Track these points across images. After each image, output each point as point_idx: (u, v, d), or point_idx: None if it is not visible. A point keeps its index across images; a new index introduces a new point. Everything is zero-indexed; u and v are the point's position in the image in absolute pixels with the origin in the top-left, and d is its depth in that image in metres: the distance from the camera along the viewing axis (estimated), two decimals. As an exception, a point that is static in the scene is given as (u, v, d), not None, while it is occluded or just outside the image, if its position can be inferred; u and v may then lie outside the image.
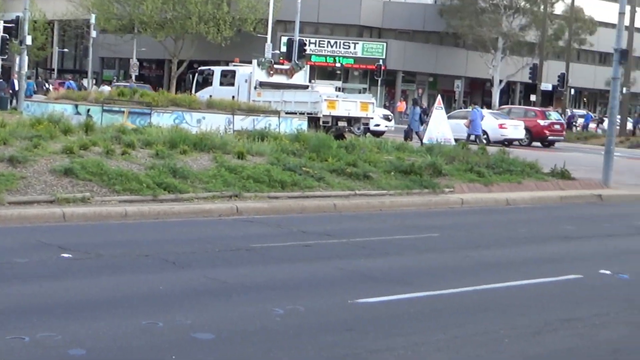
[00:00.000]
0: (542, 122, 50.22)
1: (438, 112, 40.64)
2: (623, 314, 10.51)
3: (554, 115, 53.61)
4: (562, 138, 51.96)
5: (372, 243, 14.54)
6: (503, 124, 47.41)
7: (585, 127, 72.30)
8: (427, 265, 13.05)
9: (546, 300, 10.99)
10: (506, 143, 43.79)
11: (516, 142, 46.70)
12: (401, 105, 75.92)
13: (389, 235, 15.50)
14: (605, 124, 74.96)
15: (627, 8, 38.30)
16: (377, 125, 45.68)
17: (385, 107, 69.58)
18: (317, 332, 8.94)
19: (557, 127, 51.36)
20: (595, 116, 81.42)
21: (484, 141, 39.07)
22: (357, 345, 8.51)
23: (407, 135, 39.83)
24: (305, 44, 53.79)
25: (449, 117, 40.79)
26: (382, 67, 70.78)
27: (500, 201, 21.49)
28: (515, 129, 47.34)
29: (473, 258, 13.74)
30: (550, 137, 50.51)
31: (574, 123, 72.29)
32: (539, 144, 49.37)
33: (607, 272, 13.03)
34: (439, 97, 45.23)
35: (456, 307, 10.39)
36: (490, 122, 46.47)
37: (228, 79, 41.60)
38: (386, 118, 50.26)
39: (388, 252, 13.83)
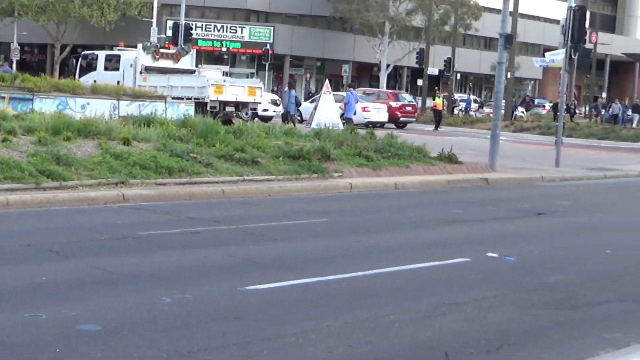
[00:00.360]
0: (394, 104, 52.47)
1: (326, 96, 40.70)
2: (510, 297, 10.61)
3: (407, 98, 56.38)
4: (414, 120, 54.75)
5: (262, 229, 14.41)
6: (366, 107, 48.78)
7: (466, 111, 73.49)
8: (317, 251, 12.99)
9: (436, 284, 11.04)
10: (370, 125, 44.57)
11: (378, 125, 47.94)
12: (289, 90, 75.83)
13: (279, 221, 15.39)
14: (487, 109, 76.75)
15: (511, -6, 38.86)
16: (265, 110, 45.61)
17: (273, 91, 69.40)
18: (206, 320, 8.77)
19: (409, 108, 54.17)
20: (480, 100, 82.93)
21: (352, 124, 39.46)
22: (246, 334, 8.38)
23: (285, 117, 39.88)
24: (191, 28, 53.13)
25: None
26: (270, 52, 70.55)
27: (389, 185, 21.59)
28: (378, 112, 48.71)
29: (363, 243, 13.73)
30: (402, 119, 52.73)
31: (457, 107, 73.63)
32: (393, 125, 50.86)
33: (495, 255, 13.17)
34: (327, 81, 45.32)
35: (347, 292, 10.34)
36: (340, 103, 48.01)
37: (113, 63, 40.85)
38: (274, 103, 50.19)
39: (278, 238, 13.72)
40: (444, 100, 61.90)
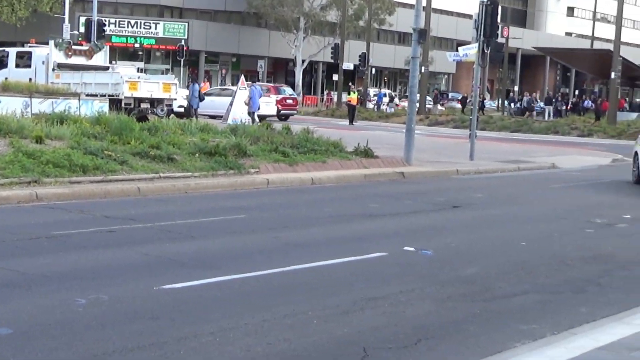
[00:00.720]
0: (275, 97, 53.13)
1: (241, 92, 40.58)
2: (428, 290, 10.66)
3: (287, 91, 57.68)
4: (295, 112, 55.84)
5: (178, 227, 14.27)
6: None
7: (378, 105, 73.95)
8: (234, 248, 12.90)
9: (353, 279, 11.04)
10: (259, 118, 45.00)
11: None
12: (205, 86, 75.48)
13: (195, 218, 15.26)
14: (402, 103, 77.48)
15: (424, -11, 39.15)
16: (181, 106, 45.26)
17: (188, 87, 68.94)
18: (122, 321, 8.64)
19: (289, 101, 55.31)
20: (389, 94, 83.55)
21: (257, 119, 39.41)
22: (163, 333, 8.28)
23: (188, 112, 39.68)
24: (104, 25, 52.49)
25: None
26: (184, 48, 70.05)
27: (306, 181, 21.59)
28: (267, 105, 49.05)
29: (281, 239, 13.69)
30: (282, 111, 53.32)
31: (372, 102, 74.24)
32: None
33: (411, 248, 13.23)
34: (242, 77, 45.19)
35: (265, 289, 10.28)
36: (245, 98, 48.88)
37: (24, 60, 40.08)
38: (202, 99, 49.87)
39: (194, 236, 13.60)
40: (359, 95, 62.26)
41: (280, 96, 54.15)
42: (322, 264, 11.79)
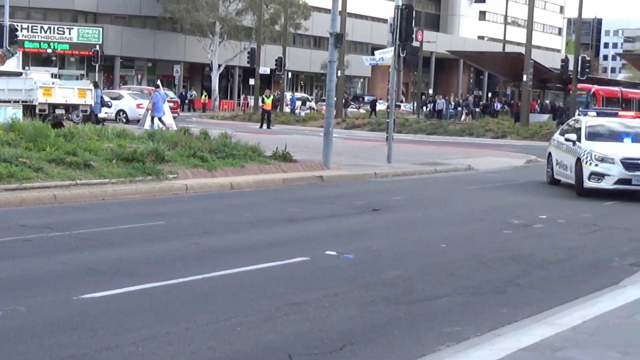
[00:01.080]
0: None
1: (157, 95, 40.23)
2: (351, 294, 10.64)
3: (169, 95, 58.37)
4: (177, 115, 56.18)
5: (97, 234, 14.04)
6: (140, 104, 49.73)
7: (291, 110, 73.94)
8: (154, 255, 12.73)
9: (276, 284, 10.97)
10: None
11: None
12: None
13: (114, 226, 15.03)
14: (313, 104, 77.79)
15: (340, -7, 39.27)
16: (84, 111, 44.73)
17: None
18: (40, 332, 8.44)
19: (171, 104, 55.22)
20: (311, 98, 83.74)
21: (164, 123, 39.02)
22: (84, 344, 8.11)
23: (90, 118, 39.14)
24: (16, 30, 51.54)
25: None
26: (99, 53, 69.26)
27: (225, 186, 21.46)
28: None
29: (201, 245, 13.56)
30: None
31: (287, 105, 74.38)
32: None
33: (333, 252, 13.21)
34: (159, 82, 44.76)
35: (187, 297, 10.16)
36: (129, 102, 51.02)
37: None
38: (106, 105, 49.29)
39: (113, 243, 13.39)
40: (274, 99, 62.17)
41: None
42: (244, 270, 11.70)
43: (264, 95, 57.10)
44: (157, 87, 42.76)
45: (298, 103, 76.95)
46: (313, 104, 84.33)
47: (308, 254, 13.04)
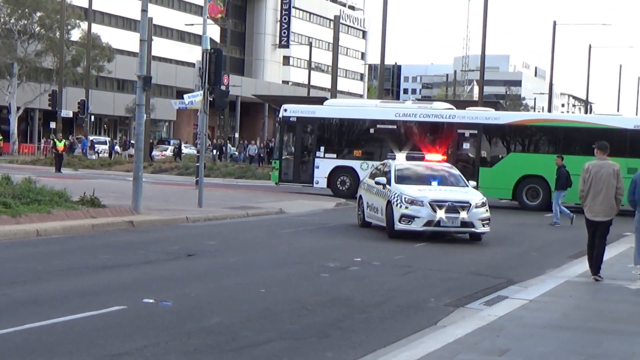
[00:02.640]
0: None
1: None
2: (173, 343, 10.30)
3: None
4: None
5: None
6: None
7: (84, 153, 71.80)
8: (-41, 308, 11.99)
9: (94, 335, 10.49)
10: None
11: None
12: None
13: None
14: (104, 147, 76.66)
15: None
16: None
17: None
18: None
19: None
20: (109, 141, 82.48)
21: None
22: None
23: None
24: None
25: None
26: None
27: (31, 232, 20.60)
28: None
29: (9, 296, 12.87)
30: None
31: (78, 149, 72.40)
32: None
33: (151, 300, 12.81)
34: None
35: (-2, 352, 9.57)
36: None
37: None
38: None
39: None
40: (66, 143, 60.25)
41: None
42: (59, 321, 11.15)
43: (55, 139, 55.61)
44: None
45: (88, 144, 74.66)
46: (117, 147, 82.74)
47: (125, 302, 12.59)
